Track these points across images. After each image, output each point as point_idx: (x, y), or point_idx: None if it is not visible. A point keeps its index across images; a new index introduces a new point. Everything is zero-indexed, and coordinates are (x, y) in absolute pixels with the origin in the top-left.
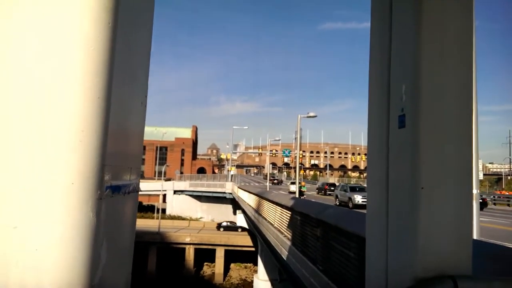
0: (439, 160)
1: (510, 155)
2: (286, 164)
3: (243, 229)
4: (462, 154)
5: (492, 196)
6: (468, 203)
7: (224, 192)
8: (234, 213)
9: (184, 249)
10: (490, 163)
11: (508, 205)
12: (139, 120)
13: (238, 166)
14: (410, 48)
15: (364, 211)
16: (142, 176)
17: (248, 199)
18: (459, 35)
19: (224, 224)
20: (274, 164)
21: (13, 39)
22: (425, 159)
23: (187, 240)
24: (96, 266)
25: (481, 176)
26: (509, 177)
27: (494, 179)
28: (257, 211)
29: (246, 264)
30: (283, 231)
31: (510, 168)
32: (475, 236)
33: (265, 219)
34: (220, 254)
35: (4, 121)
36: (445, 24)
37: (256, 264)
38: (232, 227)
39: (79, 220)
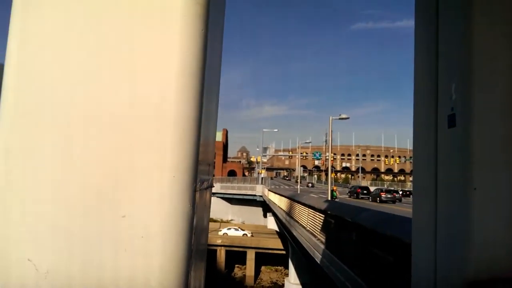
0: (493, 159)
1: None
2: (317, 167)
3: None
4: None
5: None
6: None
7: (255, 195)
8: (265, 216)
9: (215, 250)
10: None
11: None
12: (214, 121)
13: (268, 169)
14: (460, 45)
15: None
16: None
17: (279, 202)
18: None
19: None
20: (304, 167)
21: (130, 53)
22: (477, 158)
23: (218, 242)
24: (191, 254)
25: None
26: None
27: None
28: (289, 214)
29: (276, 267)
30: (316, 234)
31: None
32: None
33: (297, 222)
34: (250, 256)
35: (125, 129)
36: (498, 16)
37: (286, 267)
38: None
39: (180, 210)
